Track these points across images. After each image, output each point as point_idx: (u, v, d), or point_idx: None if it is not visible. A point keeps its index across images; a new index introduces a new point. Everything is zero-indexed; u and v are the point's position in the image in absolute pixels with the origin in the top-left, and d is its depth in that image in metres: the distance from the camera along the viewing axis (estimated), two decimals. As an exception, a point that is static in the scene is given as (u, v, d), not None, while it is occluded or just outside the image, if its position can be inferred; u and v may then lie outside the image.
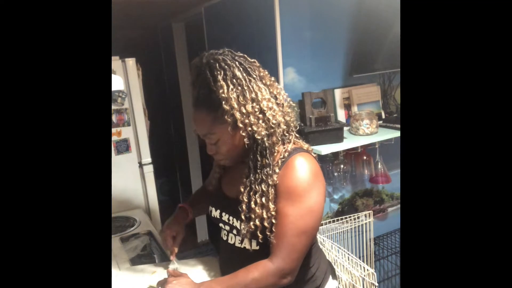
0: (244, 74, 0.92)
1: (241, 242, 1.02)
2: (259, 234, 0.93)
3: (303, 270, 1.01)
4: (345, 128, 1.76)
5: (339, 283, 1.47)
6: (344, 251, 1.60)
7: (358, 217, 1.94)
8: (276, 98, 0.97)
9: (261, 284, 0.91)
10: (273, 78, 0.99)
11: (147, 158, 2.08)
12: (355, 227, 1.94)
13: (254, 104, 0.92)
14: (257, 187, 0.94)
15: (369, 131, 1.70)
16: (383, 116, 1.96)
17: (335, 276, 1.17)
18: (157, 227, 1.86)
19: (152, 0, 2.11)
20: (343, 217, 1.92)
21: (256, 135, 0.92)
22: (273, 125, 0.94)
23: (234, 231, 1.03)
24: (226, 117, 0.91)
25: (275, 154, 0.96)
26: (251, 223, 0.93)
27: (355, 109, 1.88)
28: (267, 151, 0.94)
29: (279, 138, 0.96)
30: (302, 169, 0.93)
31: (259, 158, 0.94)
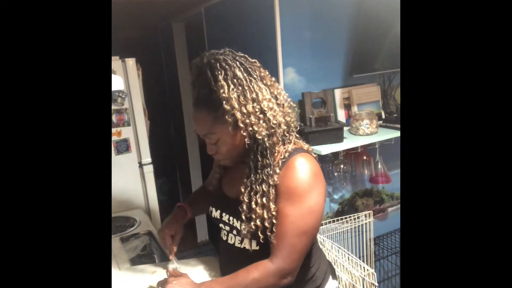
0: (245, 74, 0.92)
1: (241, 242, 1.02)
2: (260, 235, 0.93)
3: (303, 270, 1.01)
4: (345, 128, 1.76)
5: (339, 283, 1.47)
6: (344, 251, 1.61)
7: (358, 217, 1.94)
8: (276, 99, 0.97)
9: (261, 284, 0.91)
10: (273, 79, 1.00)
11: (147, 158, 2.08)
12: (355, 227, 1.94)
13: (255, 104, 0.92)
14: (257, 187, 0.94)
15: (369, 131, 1.70)
16: (383, 116, 1.96)
17: (335, 276, 1.17)
18: (157, 227, 1.85)
19: (152, 0, 2.11)
20: (343, 217, 1.92)
21: (256, 135, 0.92)
22: (273, 126, 0.94)
23: (234, 232, 1.03)
24: (226, 117, 0.91)
25: (276, 154, 0.96)
26: (252, 223, 0.93)
27: (355, 109, 1.88)
28: (268, 151, 0.94)
29: (280, 139, 0.96)
30: (303, 170, 0.93)
31: (259, 158, 0.94)
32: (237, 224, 1.01)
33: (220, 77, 0.90)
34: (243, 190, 0.96)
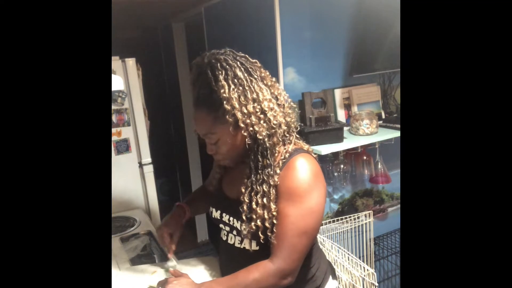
0: (246, 74, 0.92)
1: (241, 242, 1.02)
2: (260, 235, 0.93)
3: (304, 270, 1.01)
4: (345, 128, 1.76)
5: (339, 283, 1.47)
6: (344, 251, 1.61)
7: (358, 217, 1.94)
8: (277, 99, 0.97)
9: (261, 284, 0.91)
10: (274, 79, 1.00)
11: (147, 158, 2.08)
12: (355, 227, 1.94)
13: (255, 104, 0.92)
14: (258, 187, 0.94)
15: (369, 131, 1.70)
16: (383, 116, 1.96)
17: (335, 276, 1.17)
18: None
19: (152, 0, 2.11)
20: (343, 217, 1.92)
21: (257, 135, 0.92)
22: (274, 126, 0.94)
23: (234, 232, 1.03)
24: (227, 117, 0.91)
25: (276, 154, 0.96)
26: (252, 223, 0.94)
27: (355, 109, 1.88)
28: (268, 152, 0.94)
29: (280, 139, 0.96)
30: (303, 170, 0.93)
31: (260, 159, 0.94)
32: (237, 224, 1.01)
33: (221, 77, 0.90)
34: (243, 190, 0.96)
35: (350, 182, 1.99)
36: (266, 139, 0.93)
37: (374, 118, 1.72)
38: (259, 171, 0.94)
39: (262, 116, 0.92)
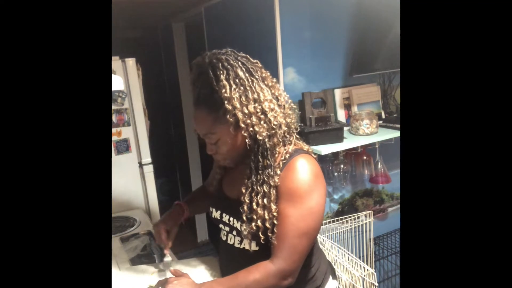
0: (247, 75, 0.92)
1: (241, 242, 1.02)
2: (261, 235, 0.93)
3: (304, 271, 1.01)
4: (345, 128, 1.76)
5: (339, 283, 1.47)
6: (344, 251, 1.61)
7: (358, 217, 1.94)
8: (277, 100, 0.97)
9: (262, 285, 0.91)
10: (274, 80, 1.00)
11: (147, 158, 2.08)
12: (355, 227, 1.94)
13: (256, 104, 0.92)
14: (258, 188, 0.94)
15: (369, 131, 1.70)
16: (383, 116, 1.96)
17: (335, 276, 1.17)
18: (157, 227, 1.86)
19: (152, 0, 2.11)
20: (343, 217, 1.92)
21: (257, 135, 0.92)
22: (274, 126, 0.94)
23: (234, 232, 1.03)
24: (228, 117, 0.91)
25: (276, 155, 0.96)
26: (253, 224, 0.94)
27: (355, 109, 1.88)
28: (268, 152, 0.94)
29: (280, 140, 0.96)
30: (303, 171, 0.93)
31: (260, 159, 0.94)
32: (237, 224, 1.01)
33: (222, 77, 0.90)
34: (244, 190, 0.96)
35: (350, 182, 1.99)
36: (266, 140, 0.93)
37: (374, 118, 1.72)
38: (260, 172, 0.94)
39: (262, 116, 0.92)
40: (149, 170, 2.09)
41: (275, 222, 0.93)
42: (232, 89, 0.90)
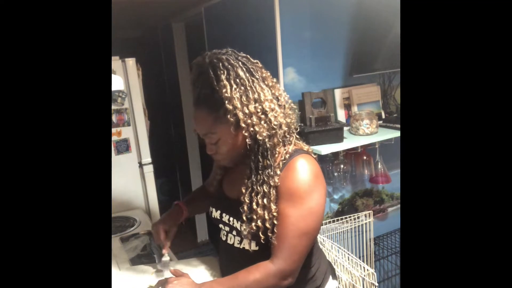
0: (247, 75, 0.92)
1: (240, 242, 1.02)
2: (261, 235, 0.93)
3: (304, 270, 1.01)
4: (345, 128, 1.76)
5: (339, 283, 1.47)
6: (344, 251, 1.61)
7: (358, 217, 1.94)
8: (278, 100, 0.97)
9: (262, 285, 0.91)
10: (275, 80, 1.00)
11: (147, 158, 2.08)
12: (355, 227, 1.94)
13: (257, 104, 0.92)
14: (258, 188, 0.94)
15: (369, 131, 1.70)
16: (383, 116, 1.96)
17: (335, 276, 1.17)
18: (157, 227, 1.86)
19: (152, 0, 2.11)
20: (343, 217, 1.92)
21: (258, 135, 0.92)
22: (274, 126, 0.94)
23: (234, 232, 1.03)
24: (228, 116, 0.91)
25: (276, 155, 0.96)
26: (253, 224, 0.94)
27: (355, 109, 1.88)
28: (268, 152, 0.94)
29: (280, 140, 0.96)
30: (303, 171, 0.93)
31: (260, 159, 0.94)
32: (237, 224, 1.01)
33: (223, 77, 0.90)
34: (244, 190, 0.96)
35: (350, 182, 1.99)
36: (266, 140, 0.93)
37: (374, 118, 1.72)
38: (260, 172, 0.94)
39: (263, 116, 0.92)
40: (149, 170, 2.09)
41: (275, 222, 0.93)
42: (233, 89, 0.90)
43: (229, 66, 0.90)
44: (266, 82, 0.96)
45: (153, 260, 1.35)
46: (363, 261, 1.74)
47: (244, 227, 0.95)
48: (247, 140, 0.93)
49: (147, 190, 2.11)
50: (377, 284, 1.44)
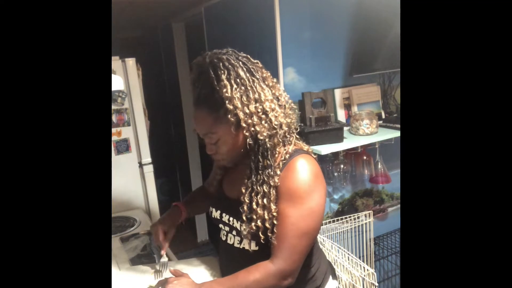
0: (248, 75, 0.92)
1: (240, 242, 1.02)
2: (261, 235, 0.93)
3: (304, 270, 1.01)
4: (345, 128, 1.76)
5: (339, 283, 1.47)
6: (344, 251, 1.61)
7: (358, 217, 1.94)
8: (278, 100, 0.97)
9: (262, 285, 0.91)
10: (275, 80, 1.00)
11: (147, 158, 2.08)
12: (355, 227, 1.94)
13: (257, 104, 0.92)
14: (258, 188, 0.94)
15: (369, 131, 1.70)
16: (383, 116, 1.96)
17: (335, 276, 1.17)
18: (157, 227, 1.86)
19: (152, 0, 2.11)
20: (343, 217, 1.92)
21: (258, 135, 0.92)
22: (275, 126, 0.94)
23: (234, 232, 1.03)
24: (229, 116, 0.91)
25: (276, 155, 0.96)
26: (253, 224, 0.94)
27: (355, 109, 1.88)
28: (269, 152, 0.94)
29: (280, 140, 0.96)
30: (303, 171, 0.93)
31: (260, 159, 0.94)
32: (237, 224, 1.01)
33: (223, 77, 0.90)
34: (243, 190, 0.96)
35: (350, 182, 1.99)
36: (267, 140, 0.93)
37: (374, 118, 1.72)
38: (260, 172, 0.94)
39: (263, 116, 0.92)
40: (149, 170, 2.09)
41: (275, 222, 0.93)
42: (233, 89, 0.90)
43: (230, 66, 0.90)
44: (266, 82, 0.96)
45: (153, 260, 1.35)
46: (363, 261, 1.74)
47: (244, 227, 0.95)
48: (247, 140, 0.93)
49: (147, 190, 2.11)
50: (377, 284, 1.44)
